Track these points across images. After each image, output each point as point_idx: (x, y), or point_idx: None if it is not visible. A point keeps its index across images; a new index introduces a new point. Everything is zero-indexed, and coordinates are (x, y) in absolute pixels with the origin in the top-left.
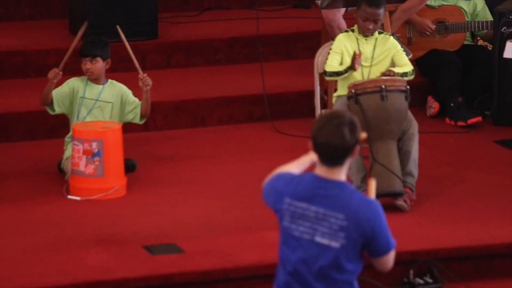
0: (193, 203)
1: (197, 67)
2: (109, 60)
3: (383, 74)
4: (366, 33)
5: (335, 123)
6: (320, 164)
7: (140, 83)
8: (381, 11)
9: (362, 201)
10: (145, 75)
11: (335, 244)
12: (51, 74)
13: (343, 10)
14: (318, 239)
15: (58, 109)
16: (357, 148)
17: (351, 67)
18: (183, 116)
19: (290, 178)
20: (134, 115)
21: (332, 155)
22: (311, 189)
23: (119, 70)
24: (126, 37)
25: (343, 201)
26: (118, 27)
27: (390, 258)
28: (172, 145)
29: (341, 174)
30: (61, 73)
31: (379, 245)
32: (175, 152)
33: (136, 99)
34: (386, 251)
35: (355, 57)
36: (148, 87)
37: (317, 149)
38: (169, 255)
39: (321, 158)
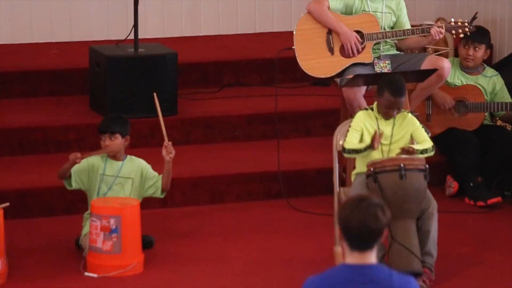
0: (211, 280)
1: (216, 143)
2: (128, 136)
3: (403, 150)
4: (388, 118)
5: (366, 205)
6: (351, 251)
7: (164, 151)
8: (403, 99)
9: (403, 279)
10: (170, 143)
11: None
12: (72, 156)
13: (363, 89)
14: None
15: (75, 184)
16: (386, 230)
17: (371, 146)
18: (201, 193)
19: (321, 278)
20: (155, 189)
21: (367, 238)
22: (348, 282)
23: (139, 145)
24: (145, 113)
25: (385, 283)
26: (154, 94)
27: None
28: (190, 222)
29: (373, 257)
30: (80, 161)
31: None
32: (193, 229)
33: (156, 174)
34: None
35: (375, 137)
36: (171, 156)
37: (351, 233)
38: None
39: (352, 244)
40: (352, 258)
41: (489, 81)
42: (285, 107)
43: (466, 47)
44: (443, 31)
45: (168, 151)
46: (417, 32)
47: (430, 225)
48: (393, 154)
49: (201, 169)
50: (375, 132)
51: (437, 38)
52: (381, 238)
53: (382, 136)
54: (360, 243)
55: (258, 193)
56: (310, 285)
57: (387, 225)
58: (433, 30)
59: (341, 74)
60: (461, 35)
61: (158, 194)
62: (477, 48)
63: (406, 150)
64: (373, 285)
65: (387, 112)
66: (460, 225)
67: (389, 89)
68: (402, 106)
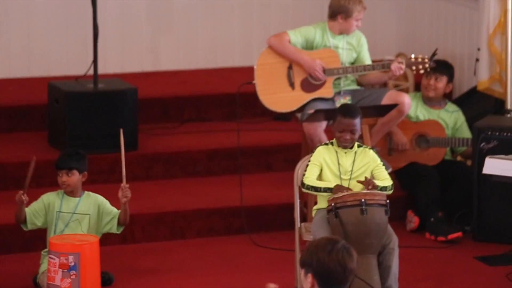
0: None
1: (177, 178)
2: (85, 172)
3: (366, 179)
4: (343, 144)
5: (341, 247)
6: None
7: (120, 193)
8: (356, 121)
9: None
10: (127, 185)
11: None
12: (17, 197)
13: (324, 123)
14: None
15: (30, 226)
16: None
17: (331, 190)
18: (162, 229)
19: None
20: (112, 225)
21: (344, 279)
22: None
23: (99, 181)
24: (105, 149)
25: None
26: (121, 131)
27: None
28: (150, 258)
29: None
30: (26, 197)
31: None
32: (153, 265)
33: (114, 209)
34: None
35: (340, 188)
36: (126, 199)
37: (329, 276)
38: None
39: (329, 286)
40: None
41: (451, 116)
42: (246, 142)
43: (428, 77)
44: (403, 66)
45: (124, 194)
46: (378, 68)
47: (391, 260)
48: (353, 189)
49: (162, 204)
50: (341, 187)
51: (398, 74)
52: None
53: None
54: (337, 285)
55: (219, 228)
56: None
57: (355, 270)
58: (393, 66)
59: (302, 108)
60: (421, 71)
61: (114, 230)
62: (438, 79)
63: (367, 182)
64: None
65: (341, 136)
66: (421, 260)
67: (341, 112)
68: (356, 131)
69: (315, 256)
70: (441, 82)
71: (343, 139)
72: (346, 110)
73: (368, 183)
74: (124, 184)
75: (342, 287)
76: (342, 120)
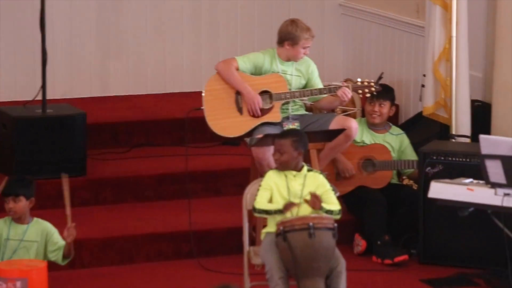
0: None
1: (126, 203)
2: (33, 199)
3: (311, 195)
4: (278, 167)
5: None
6: None
7: (65, 232)
8: (284, 141)
9: None
10: (73, 225)
11: None
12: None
13: (272, 148)
14: None
15: None
16: None
17: (281, 211)
18: (111, 253)
19: None
20: (56, 257)
21: None
22: None
23: (47, 207)
24: (54, 174)
25: None
26: (64, 176)
27: None
28: (98, 283)
29: None
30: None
31: None
32: None
33: (60, 240)
34: None
35: (290, 204)
36: (72, 237)
37: None
38: None
39: None
40: None
41: (396, 139)
42: (195, 166)
43: (372, 103)
44: (349, 92)
45: (70, 233)
46: (324, 92)
47: (339, 284)
48: (302, 212)
49: (111, 229)
50: (292, 203)
51: (344, 99)
52: None
53: (296, 207)
54: None
55: (168, 253)
56: None
57: None
58: (339, 92)
59: (250, 133)
60: (368, 95)
61: (59, 261)
62: (382, 105)
63: (314, 196)
64: None
65: (273, 156)
66: (368, 283)
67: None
68: (284, 152)
69: None
70: (385, 107)
71: (274, 159)
72: (281, 132)
73: (313, 199)
74: (69, 224)
75: None
76: (275, 141)
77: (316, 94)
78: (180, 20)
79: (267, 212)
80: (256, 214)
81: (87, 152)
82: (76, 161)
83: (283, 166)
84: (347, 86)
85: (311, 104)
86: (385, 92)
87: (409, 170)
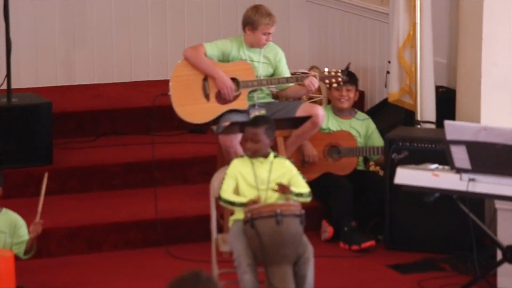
0: None
1: (93, 192)
2: (0, 188)
3: (279, 185)
4: (246, 153)
5: (206, 278)
6: None
7: (32, 227)
8: (259, 130)
9: None
10: (41, 221)
11: None
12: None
13: (239, 136)
14: None
15: None
16: None
17: (245, 205)
18: (78, 242)
19: None
20: (18, 250)
21: None
22: None
23: (13, 196)
24: (19, 163)
25: None
26: (45, 174)
27: None
28: (66, 272)
29: None
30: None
31: None
32: (69, 279)
33: (26, 235)
34: None
35: (254, 202)
36: (36, 234)
37: None
38: None
39: None
40: None
41: (362, 124)
42: (162, 155)
43: (339, 89)
44: (316, 81)
45: (35, 229)
46: (292, 80)
47: (307, 270)
48: (270, 199)
49: (78, 218)
50: (254, 200)
51: (311, 88)
52: None
53: (257, 204)
54: None
55: (136, 241)
56: None
57: None
58: (306, 81)
59: (217, 120)
60: (334, 85)
61: (21, 255)
62: (348, 89)
63: (281, 186)
64: None
65: (245, 145)
66: (336, 269)
67: (248, 122)
68: (259, 141)
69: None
70: (352, 92)
71: (246, 148)
72: (252, 120)
73: (281, 187)
74: (38, 219)
75: None
76: (246, 129)
77: (283, 83)
78: (145, 8)
79: (231, 203)
80: (221, 203)
81: (53, 141)
82: (42, 150)
83: (255, 154)
84: (315, 76)
85: (277, 92)
86: (351, 78)
87: (376, 156)
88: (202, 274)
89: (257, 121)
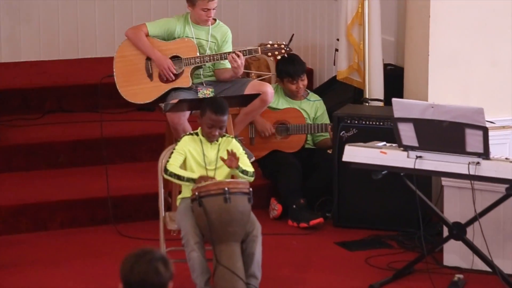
0: None
1: (39, 170)
2: None
3: (228, 152)
4: (211, 139)
5: (147, 259)
6: None
7: None
8: (226, 117)
9: None
10: None
11: None
12: None
13: (187, 113)
14: None
15: None
16: (171, 284)
17: (194, 181)
18: (24, 220)
19: None
20: None
21: None
22: None
23: None
24: None
25: None
26: None
27: None
28: (12, 251)
29: None
30: None
31: None
32: (15, 257)
33: None
34: None
35: (204, 178)
36: None
37: None
38: None
39: None
40: None
41: (312, 106)
42: (110, 132)
43: (294, 83)
44: (237, 57)
45: None
46: (224, 57)
47: (255, 248)
48: (218, 178)
49: (24, 196)
50: (206, 177)
51: (235, 65)
52: None
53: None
54: None
55: (83, 219)
56: None
57: (170, 279)
58: (229, 57)
59: (161, 99)
60: (279, 57)
61: None
62: (302, 79)
63: (230, 153)
64: None
65: (210, 132)
66: (284, 247)
67: (211, 108)
68: (224, 127)
69: (122, 267)
70: (305, 80)
71: (212, 135)
72: (217, 107)
73: (231, 154)
74: None
75: None
76: (212, 117)
77: (224, 58)
78: None
79: (179, 177)
80: (167, 176)
81: None
82: None
83: (217, 139)
84: (238, 54)
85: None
86: (300, 66)
87: (320, 137)
88: (149, 251)
89: (222, 108)
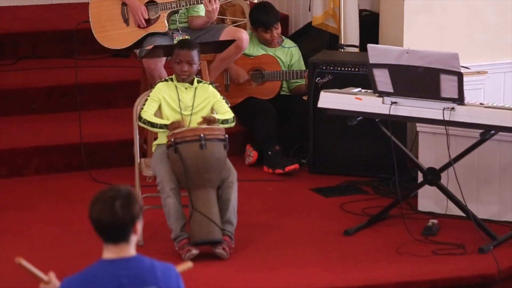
0: (9, 255)
1: (13, 116)
2: None
3: (204, 118)
4: (181, 76)
5: (108, 197)
6: (105, 244)
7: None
8: (193, 53)
9: (166, 267)
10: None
11: None
12: None
13: (163, 59)
14: None
15: None
16: (138, 223)
17: (167, 127)
18: None
19: (78, 278)
20: None
21: (115, 232)
22: (110, 276)
23: None
24: None
25: (148, 273)
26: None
27: None
28: None
29: (130, 249)
30: None
31: None
32: None
33: None
34: None
35: (178, 123)
36: None
37: (97, 228)
38: None
39: (101, 237)
40: (108, 252)
41: (287, 52)
42: (85, 79)
43: (268, 32)
44: (214, 1)
45: None
46: (200, 1)
47: (230, 194)
48: (194, 124)
49: None
50: (178, 122)
51: (209, 8)
52: (130, 233)
53: (181, 127)
54: (106, 237)
55: (58, 165)
56: (68, 287)
57: (130, 220)
58: (204, 1)
59: (137, 45)
60: (255, 1)
61: None
62: (276, 28)
63: (207, 119)
64: (136, 278)
65: (179, 68)
66: (260, 193)
67: (178, 45)
68: (193, 63)
69: (90, 206)
70: (279, 28)
71: (181, 71)
72: (183, 43)
73: (207, 120)
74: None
75: (120, 240)
76: (179, 52)
77: (200, 3)
78: None
79: (152, 124)
80: (141, 124)
81: None
82: None
83: (189, 77)
84: None
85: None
86: (273, 15)
87: (295, 84)
88: (112, 189)
89: (189, 43)
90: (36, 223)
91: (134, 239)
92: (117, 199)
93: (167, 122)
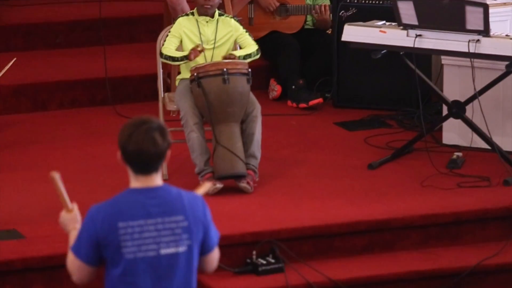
0: (34, 188)
1: (37, 50)
2: None
3: (224, 58)
4: (205, 6)
5: (145, 129)
6: (135, 175)
7: None
8: None
9: (193, 197)
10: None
11: (182, 249)
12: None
13: None
14: (164, 251)
15: None
16: (169, 152)
17: (187, 57)
18: (23, 100)
19: (107, 206)
20: None
21: (147, 163)
22: (138, 205)
23: None
24: None
25: (175, 203)
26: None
27: (217, 252)
28: (12, 130)
29: (158, 180)
30: None
31: (212, 236)
32: (15, 137)
33: None
34: (216, 241)
35: (194, 49)
36: None
37: (129, 159)
38: (9, 241)
39: (134, 168)
40: (137, 182)
41: None
42: (108, 13)
43: None
44: None
45: None
46: None
47: (254, 128)
48: (216, 58)
49: (22, 77)
50: (197, 45)
51: None
52: (163, 161)
53: (202, 52)
54: (140, 168)
55: (82, 100)
56: (97, 214)
57: (167, 148)
58: None
59: None
60: None
61: None
62: None
63: (227, 59)
64: (163, 207)
65: (200, 2)
66: (283, 127)
67: None
68: None
69: (120, 136)
70: None
71: (204, 3)
72: None
73: (227, 59)
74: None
75: (151, 170)
76: None
77: None
78: None
79: (173, 58)
80: (163, 60)
81: None
82: None
83: (212, 9)
84: None
85: None
86: None
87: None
88: (146, 120)
89: None
90: (60, 157)
91: (162, 167)
92: (154, 130)
93: (187, 53)
